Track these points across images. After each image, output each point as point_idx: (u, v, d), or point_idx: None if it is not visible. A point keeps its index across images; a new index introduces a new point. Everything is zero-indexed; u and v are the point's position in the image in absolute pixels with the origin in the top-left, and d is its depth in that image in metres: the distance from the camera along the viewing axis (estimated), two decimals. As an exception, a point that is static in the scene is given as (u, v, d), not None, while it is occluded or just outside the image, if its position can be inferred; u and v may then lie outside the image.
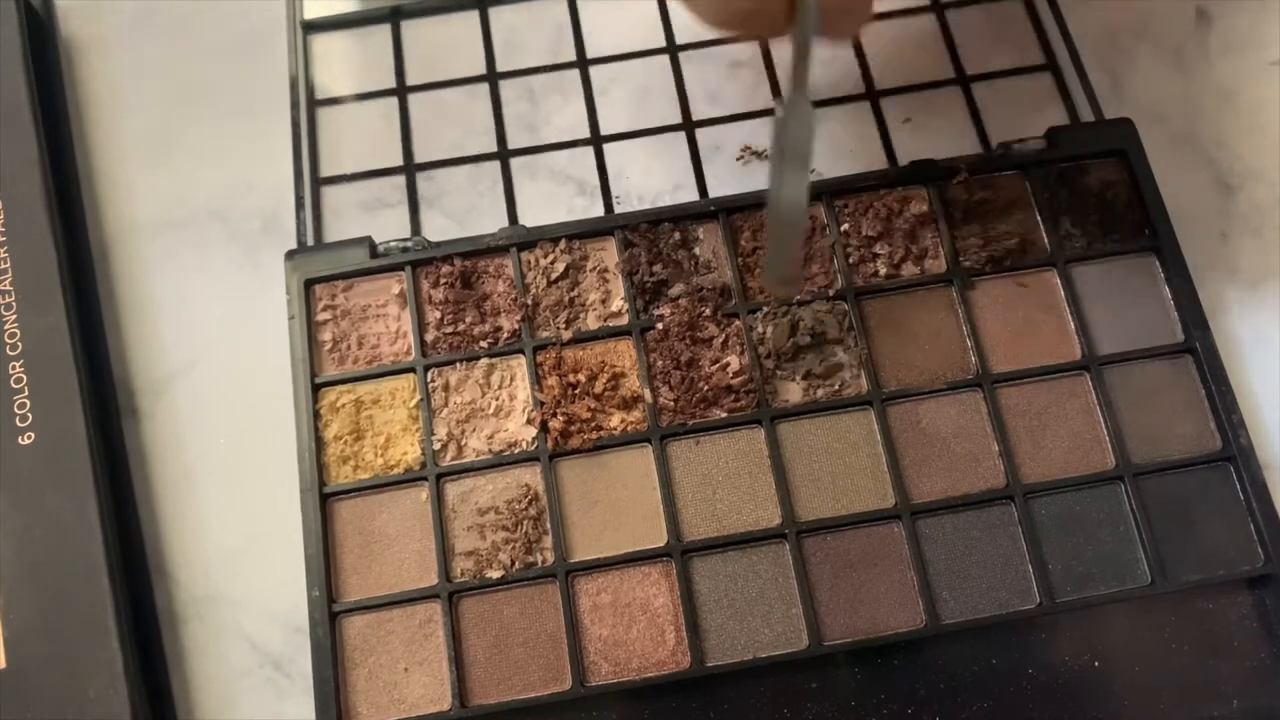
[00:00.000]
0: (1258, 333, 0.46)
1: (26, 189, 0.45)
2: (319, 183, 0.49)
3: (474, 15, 0.53)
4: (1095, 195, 0.46)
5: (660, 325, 0.44)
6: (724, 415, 0.43)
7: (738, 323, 0.44)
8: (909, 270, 0.45)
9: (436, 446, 0.43)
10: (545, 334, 0.45)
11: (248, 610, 0.43)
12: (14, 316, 0.44)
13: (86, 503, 0.41)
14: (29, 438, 0.42)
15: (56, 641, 0.40)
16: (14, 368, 0.43)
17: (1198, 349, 0.44)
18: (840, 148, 0.50)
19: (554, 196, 0.50)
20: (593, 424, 0.43)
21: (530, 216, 0.48)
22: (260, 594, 0.43)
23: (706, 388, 0.43)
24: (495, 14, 0.53)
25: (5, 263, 0.44)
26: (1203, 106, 0.51)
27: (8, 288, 0.44)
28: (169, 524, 0.45)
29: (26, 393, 0.42)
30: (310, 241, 0.48)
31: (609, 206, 0.49)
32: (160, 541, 0.44)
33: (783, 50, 0.52)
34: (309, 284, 0.45)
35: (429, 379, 0.44)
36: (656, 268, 0.45)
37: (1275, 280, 0.47)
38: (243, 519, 0.44)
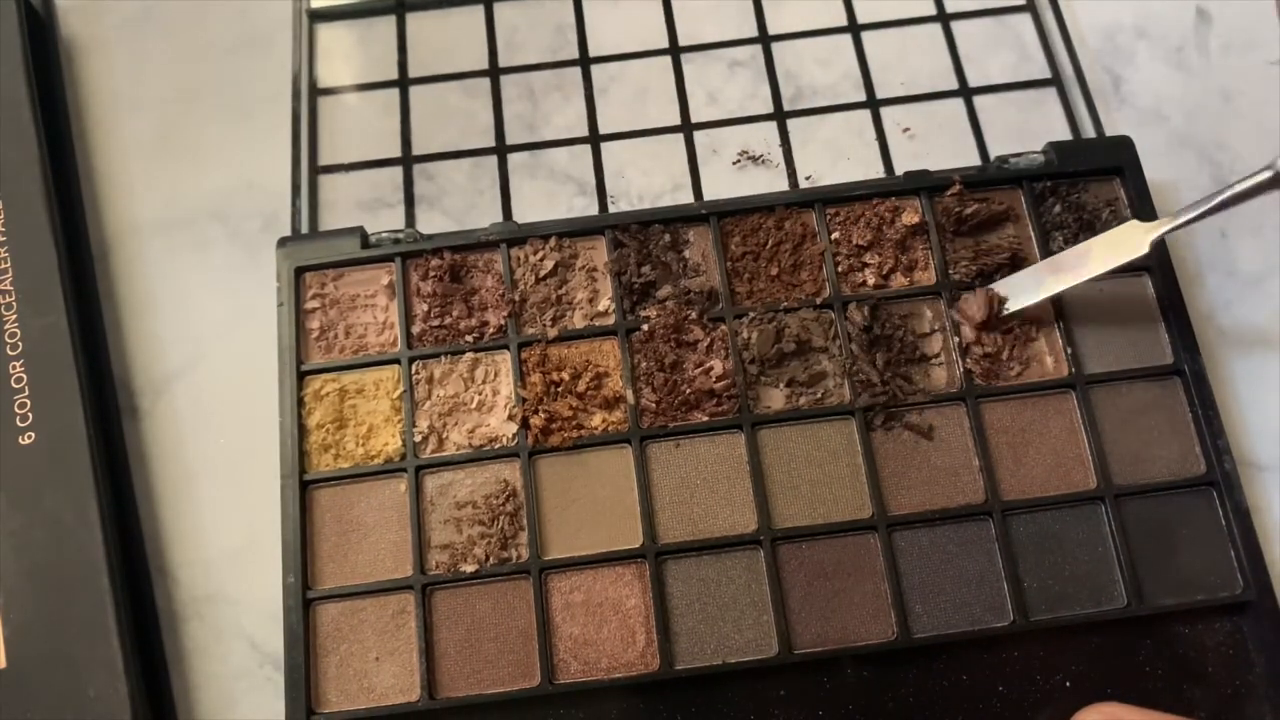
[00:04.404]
0: (1257, 332, 0.46)
1: (26, 189, 0.45)
2: (316, 171, 0.50)
3: (479, 10, 0.53)
4: (1091, 212, 0.46)
5: (646, 327, 0.44)
6: (705, 419, 0.43)
7: (723, 327, 0.44)
8: (898, 281, 0.45)
9: (417, 438, 0.43)
10: (531, 331, 0.45)
11: (248, 610, 0.44)
12: (14, 316, 0.44)
13: (86, 503, 0.41)
14: (29, 438, 0.42)
15: (56, 641, 0.40)
16: (14, 368, 0.43)
17: (1186, 371, 0.43)
18: (837, 156, 0.50)
19: (554, 196, 0.50)
20: (574, 422, 0.43)
21: (531, 215, 0.48)
22: (261, 593, 0.43)
23: (689, 391, 0.43)
24: (499, 10, 0.53)
25: (5, 263, 0.44)
26: (1203, 106, 0.50)
27: (8, 288, 0.44)
28: (169, 524, 0.45)
29: (26, 393, 0.43)
30: (305, 230, 0.48)
31: (603, 205, 0.49)
32: (160, 541, 0.45)
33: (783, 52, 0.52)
34: (299, 271, 0.46)
35: (413, 371, 0.44)
36: (645, 269, 0.45)
37: (1275, 280, 0.47)
38: (243, 518, 0.45)
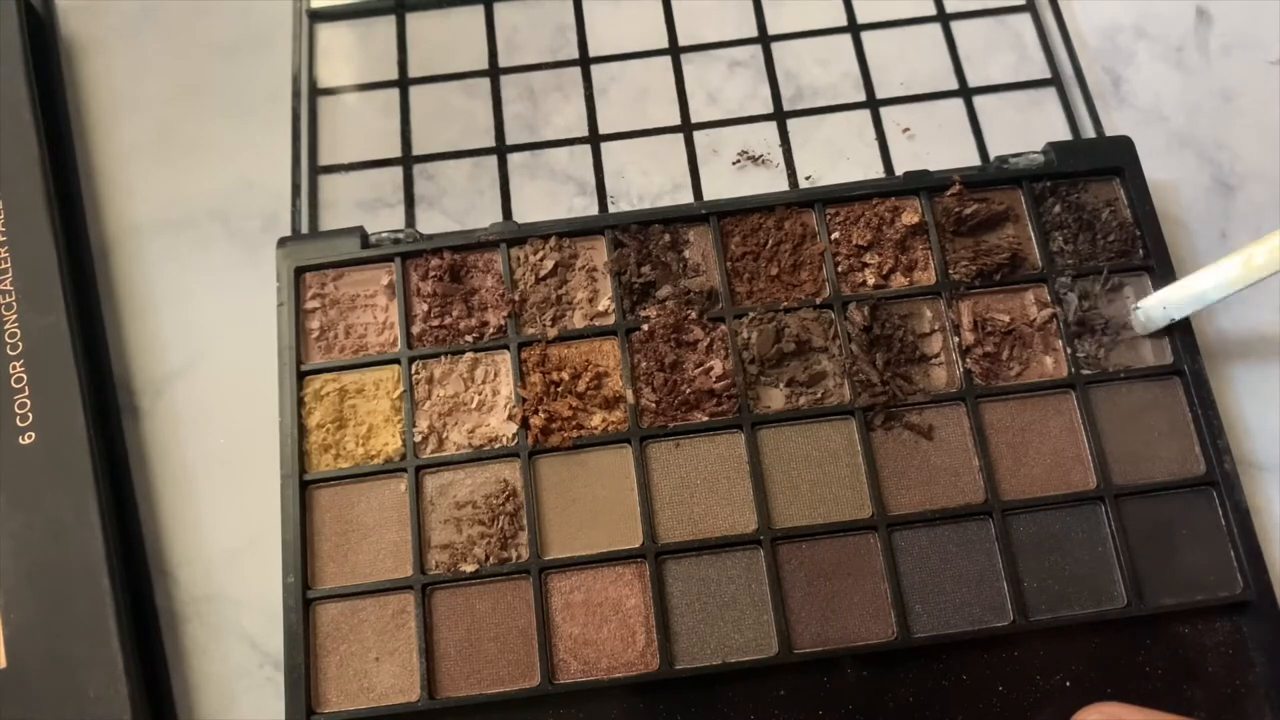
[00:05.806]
0: (1257, 333, 0.46)
1: (26, 189, 0.45)
2: (316, 172, 0.50)
3: (479, 10, 0.53)
4: (1090, 212, 0.46)
5: (646, 326, 0.44)
6: (705, 419, 0.43)
7: (723, 327, 0.44)
8: (898, 281, 0.45)
9: (417, 438, 0.43)
10: (531, 330, 0.45)
11: (248, 610, 0.44)
12: (14, 316, 0.44)
13: (86, 503, 0.41)
14: (29, 438, 0.42)
15: (56, 641, 0.40)
16: (14, 368, 0.43)
17: (1186, 371, 0.43)
18: (837, 156, 0.50)
19: (555, 196, 0.50)
20: (574, 422, 0.43)
21: (531, 215, 0.48)
22: (260, 593, 0.43)
23: (689, 391, 0.43)
24: (499, 10, 0.53)
25: (5, 263, 0.44)
26: (1203, 106, 0.51)
27: (8, 288, 0.44)
28: (169, 524, 0.45)
29: (26, 393, 0.43)
30: (305, 230, 0.48)
31: (603, 205, 0.49)
32: (160, 541, 0.45)
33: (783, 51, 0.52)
34: (299, 272, 0.46)
35: (413, 371, 0.44)
36: (645, 269, 0.45)
37: (1275, 280, 0.46)
38: (242, 518, 0.45)
